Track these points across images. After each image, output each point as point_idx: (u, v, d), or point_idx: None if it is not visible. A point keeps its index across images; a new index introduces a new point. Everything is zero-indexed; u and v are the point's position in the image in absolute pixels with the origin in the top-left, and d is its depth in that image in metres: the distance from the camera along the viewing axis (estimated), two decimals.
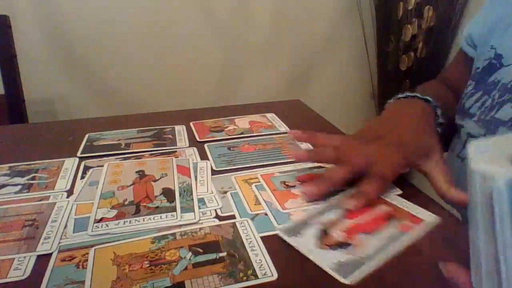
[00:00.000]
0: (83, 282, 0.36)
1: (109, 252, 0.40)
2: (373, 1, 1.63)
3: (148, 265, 0.38)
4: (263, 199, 0.49)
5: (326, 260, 0.38)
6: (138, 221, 0.45)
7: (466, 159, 0.22)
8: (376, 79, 1.72)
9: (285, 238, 0.41)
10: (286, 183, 0.53)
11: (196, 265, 0.38)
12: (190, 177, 0.55)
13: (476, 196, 0.21)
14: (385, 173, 0.47)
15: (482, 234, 0.21)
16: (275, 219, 0.45)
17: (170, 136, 0.69)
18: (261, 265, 0.38)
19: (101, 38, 1.47)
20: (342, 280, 0.36)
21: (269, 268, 0.37)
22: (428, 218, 0.45)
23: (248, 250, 0.40)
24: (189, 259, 0.39)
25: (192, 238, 0.42)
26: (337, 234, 0.42)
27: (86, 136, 0.70)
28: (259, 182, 0.53)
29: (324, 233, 0.42)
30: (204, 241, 0.41)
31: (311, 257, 0.39)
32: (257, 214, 0.46)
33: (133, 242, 0.42)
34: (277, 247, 0.41)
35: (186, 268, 0.37)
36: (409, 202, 0.48)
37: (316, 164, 0.58)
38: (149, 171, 0.56)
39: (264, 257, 0.39)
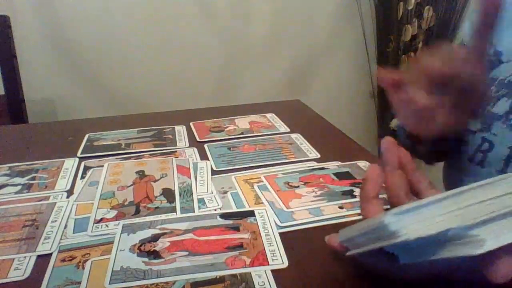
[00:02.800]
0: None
1: (104, 265, 0.38)
2: (373, 1, 1.63)
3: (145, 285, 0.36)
4: (266, 199, 0.49)
5: (121, 261, 0.38)
6: None
7: None
8: (376, 79, 1.72)
9: (118, 232, 0.42)
10: (290, 184, 0.53)
11: (194, 285, 0.36)
12: (190, 177, 0.55)
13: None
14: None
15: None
16: (277, 217, 0.45)
17: (170, 136, 0.69)
18: None
19: (101, 38, 1.47)
20: (106, 284, 0.36)
21: None
22: (276, 264, 0.38)
23: (252, 272, 0.38)
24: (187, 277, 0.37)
25: None
26: (160, 243, 0.41)
27: (86, 136, 0.70)
28: (262, 182, 0.53)
29: (152, 238, 0.41)
30: None
31: (112, 255, 0.39)
32: None
33: None
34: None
35: None
36: None
37: (316, 165, 0.58)
38: (149, 171, 0.56)
39: (268, 279, 0.36)
